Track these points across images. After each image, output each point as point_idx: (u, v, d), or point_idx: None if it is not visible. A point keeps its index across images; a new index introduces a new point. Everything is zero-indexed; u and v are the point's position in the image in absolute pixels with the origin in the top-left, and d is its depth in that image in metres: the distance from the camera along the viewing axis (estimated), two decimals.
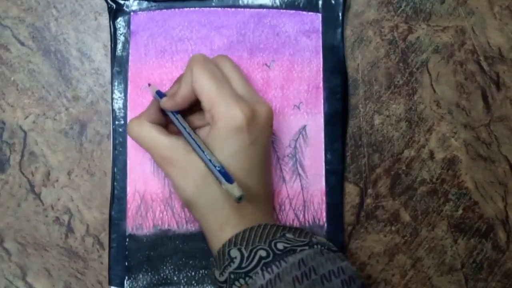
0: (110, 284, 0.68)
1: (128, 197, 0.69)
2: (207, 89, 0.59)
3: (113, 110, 0.69)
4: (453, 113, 0.71)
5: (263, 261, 0.56)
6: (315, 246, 0.57)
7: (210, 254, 0.63)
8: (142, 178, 0.69)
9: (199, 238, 0.68)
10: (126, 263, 0.68)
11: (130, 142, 0.69)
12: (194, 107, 0.63)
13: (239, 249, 0.57)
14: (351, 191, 0.71)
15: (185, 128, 0.62)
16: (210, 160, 0.58)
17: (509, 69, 0.72)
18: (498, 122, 0.71)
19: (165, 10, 0.70)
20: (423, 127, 0.71)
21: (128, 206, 0.69)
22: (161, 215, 0.69)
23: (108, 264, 0.69)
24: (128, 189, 0.69)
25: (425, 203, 0.71)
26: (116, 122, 0.69)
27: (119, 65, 0.70)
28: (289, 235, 0.58)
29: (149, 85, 0.67)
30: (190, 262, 0.68)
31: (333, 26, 0.70)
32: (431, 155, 0.71)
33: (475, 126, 0.71)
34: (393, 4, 0.72)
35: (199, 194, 0.60)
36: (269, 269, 0.55)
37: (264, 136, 0.61)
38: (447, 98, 0.71)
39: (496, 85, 0.72)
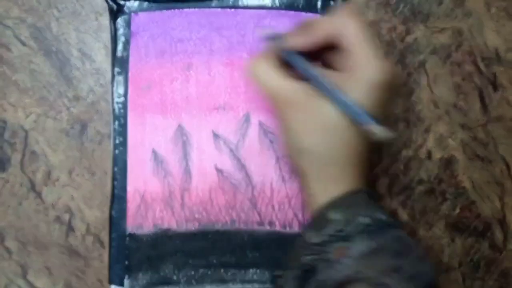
0: (110, 283, 0.68)
1: (128, 197, 0.69)
2: (357, 31, 0.55)
3: (113, 110, 0.70)
4: (450, 114, 0.72)
5: (367, 228, 0.54)
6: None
7: (210, 253, 0.64)
8: (142, 177, 0.69)
9: (199, 237, 0.69)
10: (126, 262, 0.68)
11: (130, 141, 0.69)
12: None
13: (342, 212, 0.55)
14: None
15: (312, 70, 0.58)
16: (349, 102, 0.54)
17: (505, 70, 0.72)
18: (495, 123, 0.72)
19: (165, 10, 0.70)
20: (421, 127, 0.71)
21: (128, 205, 0.69)
22: (161, 214, 0.69)
23: (108, 263, 0.69)
24: (128, 188, 0.69)
25: (422, 203, 0.71)
26: (117, 122, 0.69)
27: (120, 66, 0.70)
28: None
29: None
30: (190, 261, 0.69)
31: None
32: (429, 155, 0.72)
33: (472, 126, 0.72)
34: (391, 5, 0.72)
35: (317, 142, 0.56)
36: (373, 237, 0.53)
37: (391, 104, 0.58)
38: (444, 99, 0.72)
39: (493, 85, 0.72)
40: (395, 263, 0.52)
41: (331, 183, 0.57)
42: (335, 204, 0.56)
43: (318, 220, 0.56)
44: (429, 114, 0.71)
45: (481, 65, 0.72)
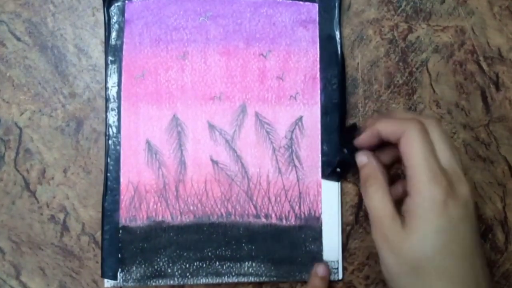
0: (103, 276, 0.67)
1: (121, 188, 0.68)
2: (417, 158, 0.56)
3: (107, 100, 0.69)
4: (452, 113, 0.71)
5: None
6: None
7: (205, 246, 0.63)
8: (135, 168, 0.68)
9: (193, 229, 0.68)
10: (120, 255, 0.68)
11: (123, 133, 0.69)
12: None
13: None
14: (349, 191, 0.70)
15: None
16: None
17: (508, 70, 0.72)
18: (497, 123, 0.71)
19: None
20: None
21: (122, 197, 0.68)
22: (155, 206, 0.68)
23: (101, 256, 0.68)
24: (121, 180, 0.68)
25: None
26: (110, 112, 0.69)
27: (113, 54, 0.69)
28: None
29: None
30: (184, 254, 0.68)
31: (329, 16, 0.70)
32: None
33: (474, 126, 0.71)
34: (393, 3, 0.72)
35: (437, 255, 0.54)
36: None
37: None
38: (446, 98, 0.71)
39: (496, 85, 0.71)
40: None
41: None
42: None
43: None
44: (431, 114, 0.71)
45: (484, 65, 0.72)
